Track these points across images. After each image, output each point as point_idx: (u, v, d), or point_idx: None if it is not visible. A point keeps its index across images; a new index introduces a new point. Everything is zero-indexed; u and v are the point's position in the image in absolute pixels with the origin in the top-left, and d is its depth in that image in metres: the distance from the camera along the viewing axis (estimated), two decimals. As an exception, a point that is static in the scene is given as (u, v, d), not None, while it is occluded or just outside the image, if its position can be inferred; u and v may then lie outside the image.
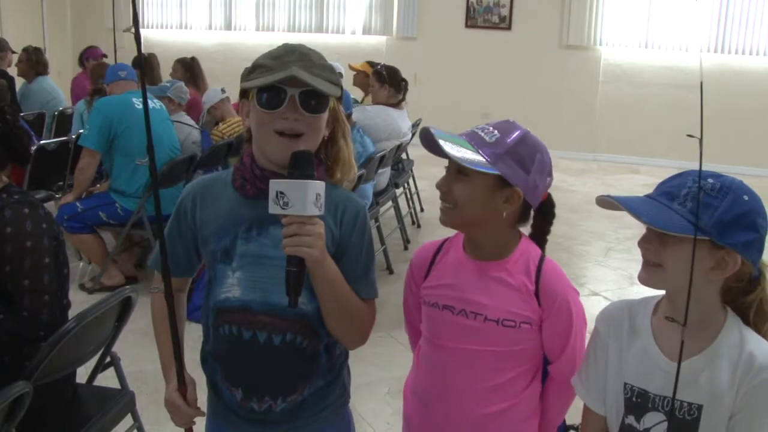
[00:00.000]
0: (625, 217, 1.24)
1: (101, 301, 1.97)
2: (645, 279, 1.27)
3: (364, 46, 9.62)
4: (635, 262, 1.30)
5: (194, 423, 1.44)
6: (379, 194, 4.78)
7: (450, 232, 1.56)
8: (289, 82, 1.29)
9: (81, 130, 4.88)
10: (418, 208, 6.04)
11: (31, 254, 1.87)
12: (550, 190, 1.51)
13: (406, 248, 5.14)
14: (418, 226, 5.80)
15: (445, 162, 1.43)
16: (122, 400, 2.18)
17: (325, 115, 1.37)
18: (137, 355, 3.03)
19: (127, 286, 2.16)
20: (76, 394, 2.15)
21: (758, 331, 1.27)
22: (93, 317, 1.88)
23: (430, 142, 1.39)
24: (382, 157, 4.51)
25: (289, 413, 1.43)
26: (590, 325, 1.43)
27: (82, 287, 4.16)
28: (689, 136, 1.05)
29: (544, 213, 1.51)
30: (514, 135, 1.41)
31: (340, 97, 1.41)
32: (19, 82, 6.53)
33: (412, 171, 5.99)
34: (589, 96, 9.11)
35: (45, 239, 1.92)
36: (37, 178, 4.32)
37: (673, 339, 1.22)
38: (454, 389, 1.49)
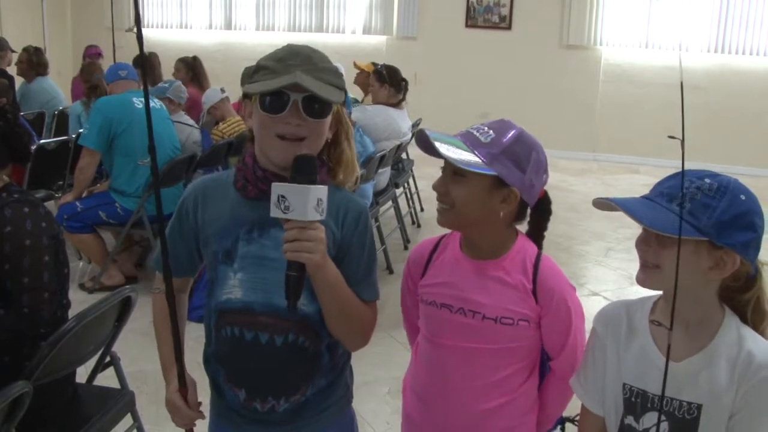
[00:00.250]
0: (624, 217, 1.24)
1: (101, 301, 1.97)
2: (643, 280, 1.27)
3: (365, 45, 9.62)
4: (635, 262, 1.30)
5: (195, 425, 1.44)
6: (379, 194, 4.78)
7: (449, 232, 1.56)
8: (292, 87, 1.29)
9: (80, 130, 4.89)
10: (418, 208, 6.04)
11: (30, 252, 1.88)
12: (548, 189, 1.51)
13: (406, 248, 5.14)
14: (418, 225, 5.80)
15: (443, 162, 1.43)
16: (122, 400, 2.18)
17: (328, 120, 1.36)
18: (137, 354, 3.03)
19: (127, 286, 2.16)
20: (76, 393, 2.15)
21: (756, 328, 1.27)
22: (93, 317, 1.88)
23: (425, 144, 1.39)
24: (382, 157, 4.52)
25: (292, 413, 1.43)
26: (590, 325, 1.44)
27: (82, 287, 4.17)
28: (670, 137, 1.05)
29: (541, 210, 1.51)
30: (510, 134, 1.41)
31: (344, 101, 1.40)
32: (19, 81, 6.52)
33: (412, 171, 5.99)
34: (589, 96, 9.11)
35: (44, 238, 1.92)
36: (36, 177, 4.32)
37: (672, 339, 1.22)
38: (453, 387, 1.50)
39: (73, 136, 4.72)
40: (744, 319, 1.27)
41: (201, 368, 1.51)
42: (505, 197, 1.41)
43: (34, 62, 6.32)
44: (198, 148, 4.63)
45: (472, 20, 9.30)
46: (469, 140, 1.41)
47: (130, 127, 3.96)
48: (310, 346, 1.41)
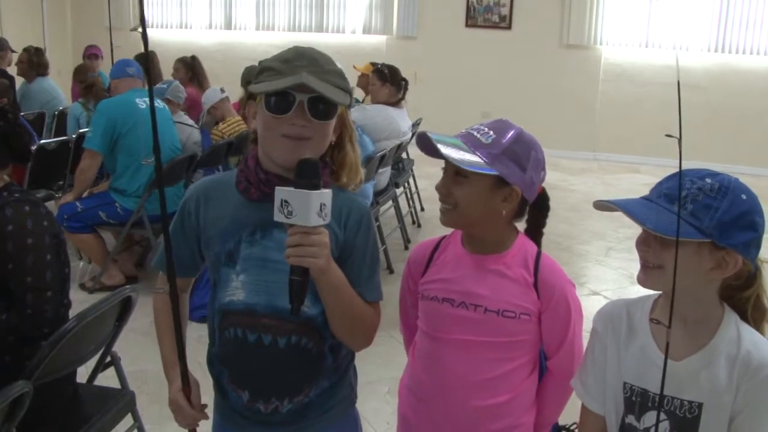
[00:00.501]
0: (625, 216, 1.24)
1: (101, 301, 1.97)
2: (644, 281, 1.27)
3: (365, 45, 9.62)
4: (635, 261, 1.30)
5: (198, 425, 1.43)
6: (379, 194, 4.78)
7: (450, 231, 1.56)
8: (298, 88, 1.28)
9: (80, 131, 4.89)
10: (418, 208, 6.04)
11: (32, 252, 1.88)
12: (548, 189, 1.53)
13: (406, 248, 5.13)
14: (419, 225, 5.80)
15: (444, 162, 1.44)
16: (122, 400, 2.18)
17: (333, 121, 1.36)
18: (137, 354, 3.03)
19: (128, 286, 2.16)
20: (77, 393, 2.15)
21: (756, 326, 1.27)
22: (93, 317, 1.88)
23: (427, 146, 1.41)
24: (383, 157, 4.51)
25: (295, 414, 1.43)
26: (590, 325, 1.44)
27: (82, 287, 4.16)
28: (668, 135, 1.05)
29: (540, 207, 1.53)
30: (509, 134, 1.43)
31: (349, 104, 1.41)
32: (19, 81, 6.52)
33: (412, 170, 5.99)
34: (589, 95, 9.11)
35: (46, 237, 1.92)
36: (37, 177, 4.32)
37: (671, 337, 1.22)
38: (453, 381, 1.49)
39: (73, 136, 4.72)
40: (744, 317, 1.27)
41: (201, 368, 1.51)
42: (506, 196, 1.43)
43: (35, 62, 6.32)
44: (198, 148, 4.62)
45: (472, 20, 9.30)
46: (469, 141, 1.43)
47: (134, 127, 3.98)
48: (314, 348, 1.41)
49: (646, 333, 1.31)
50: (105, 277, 4.16)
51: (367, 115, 4.78)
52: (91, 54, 6.86)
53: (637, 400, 1.31)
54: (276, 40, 9.54)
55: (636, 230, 1.27)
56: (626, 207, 1.23)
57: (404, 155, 5.99)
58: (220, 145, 4.57)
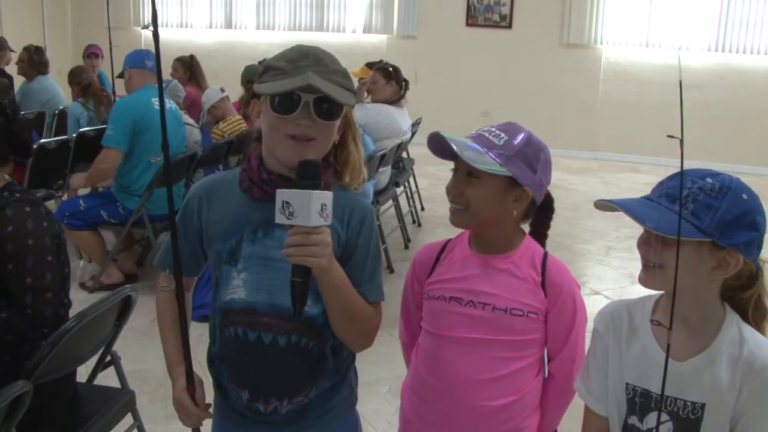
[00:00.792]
0: (625, 216, 1.23)
1: (101, 300, 1.97)
2: (646, 281, 1.26)
3: (365, 44, 9.62)
4: (636, 260, 1.30)
5: (202, 424, 1.43)
6: (379, 193, 4.78)
7: (452, 232, 1.56)
8: (303, 88, 1.28)
9: (80, 130, 4.89)
10: (418, 207, 6.03)
11: (33, 252, 1.87)
12: (549, 188, 1.54)
13: (406, 247, 5.13)
14: (419, 225, 5.80)
15: (446, 162, 1.45)
16: (122, 399, 2.18)
17: (338, 122, 1.36)
18: (137, 354, 3.03)
19: (127, 285, 2.15)
20: (77, 393, 2.15)
21: (757, 326, 1.27)
22: (93, 316, 1.88)
23: (437, 146, 1.42)
24: (383, 156, 4.51)
25: (295, 415, 1.43)
26: (591, 325, 1.44)
27: (82, 286, 4.16)
28: (669, 136, 1.05)
29: (545, 209, 1.55)
30: (520, 137, 1.45)
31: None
32: (19, 81, 6.52)
33: (412, 170, 5.99)
34: (589, 94, 9.11)
35: (46, 237, 1.91)
36: (37, 176, 4.32)
37: (673, 338, 1.22)
38: (458, 380, 1.49)
39: (74, 135, 4.72)
40: (745, 317, 1.27)
41: (201, 367, 1.51)
42: (518, 197, 1.45)
43: (35, 61, 6.32)
44: (198, 148, 4.63)
45: (472, 19, 9.30)
46: (481, 142, 1.44)
47: (149, 126, 3.99)
48: (314, 348, 1.40)
49: (647, 333, 1.31)
50: (105, 276, 4.16)
51: (368, 114, 4.78)
52: (91, 53, 6.85)
53: (639, 401, 1.31)
54: (276, 39, 9.53)
55: (636, 230, 1.27)
56: (627, 206, 1.23)
57: (405, 154, 5.99)
58: (220, 145, 4.57)
